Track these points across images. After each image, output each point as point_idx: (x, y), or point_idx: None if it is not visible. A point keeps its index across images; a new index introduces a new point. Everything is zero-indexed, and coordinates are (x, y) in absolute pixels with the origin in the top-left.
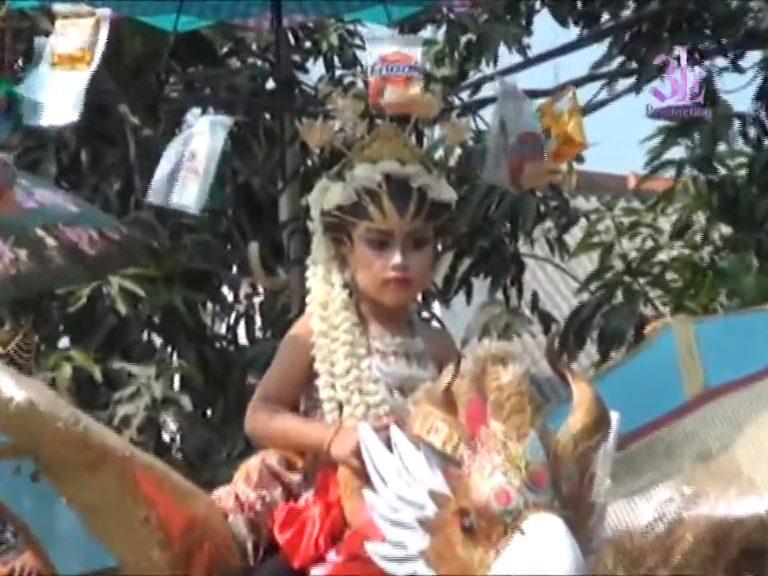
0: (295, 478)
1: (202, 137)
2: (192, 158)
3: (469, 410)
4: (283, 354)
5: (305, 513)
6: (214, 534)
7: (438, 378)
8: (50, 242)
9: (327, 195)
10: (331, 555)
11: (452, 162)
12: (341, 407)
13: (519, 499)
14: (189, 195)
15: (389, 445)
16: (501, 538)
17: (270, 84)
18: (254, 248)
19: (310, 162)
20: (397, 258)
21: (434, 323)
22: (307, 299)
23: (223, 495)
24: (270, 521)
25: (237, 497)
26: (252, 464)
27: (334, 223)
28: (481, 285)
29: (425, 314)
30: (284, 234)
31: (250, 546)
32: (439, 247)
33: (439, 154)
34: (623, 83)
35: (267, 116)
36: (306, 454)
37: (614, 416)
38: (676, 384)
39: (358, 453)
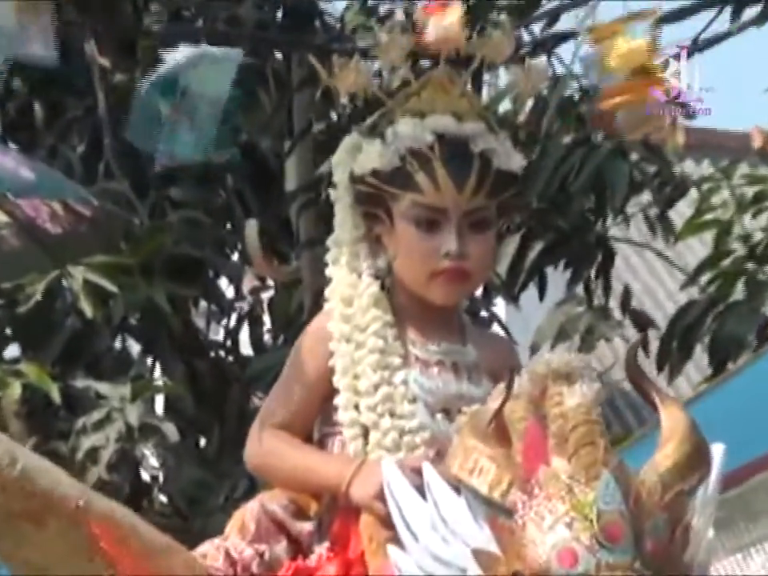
0: (306, 527)
1: (200, 72)
2: (186, 100)
3: (525, 443)
4: (294, 365)
5: (317, 574)
6: None
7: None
8: (0, 217)
9: (359, 156)
10: None
11: (520, 117)
12: (366, 434)
13: (589, 560)
14: (181, 146)
15: (422, 488)
16: None
17: (283, 14)
18: (252, 227)
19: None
20: (452, 244)
21: (495, 327)
22: (326, 292)
23: (211, 552)
24: None
25: (228, 554)
26: (249, 510)
27: (368, 193)
28: (557, 277)
29: (483, 314)
30: (292, 209)
31: None
32: (503, 229)
33: (505, 106)
34: (746, 13)
35: (278, 56)
36: (321, 496)
37: (717, 449)
38: None
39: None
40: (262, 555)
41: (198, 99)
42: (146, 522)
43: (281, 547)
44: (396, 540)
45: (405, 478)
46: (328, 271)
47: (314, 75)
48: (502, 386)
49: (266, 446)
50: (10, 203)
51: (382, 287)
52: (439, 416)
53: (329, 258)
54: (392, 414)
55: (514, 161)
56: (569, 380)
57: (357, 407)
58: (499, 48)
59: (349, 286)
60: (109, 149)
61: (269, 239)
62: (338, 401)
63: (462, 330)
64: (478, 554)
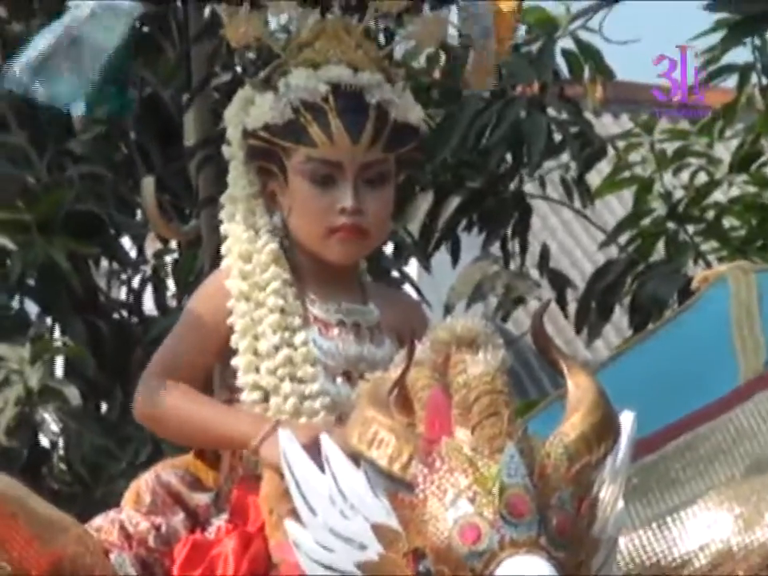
0: (203, 499)
1: (94, 22)
2: (74, 46)
3: (427, 413)
4: (188, 323)
5: (215, 548)
6: None
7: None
8: None
9: (252, 110)
10: None
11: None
12: (267, 398)
13: (492, 536)
14: (62, 89)
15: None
16: None
17: None
18: (148, 184)
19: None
20: (347, 199)
21: (407, 287)
22: (222, 249)
23: (105, 526)
24: (169, 559)
25: (122, 527)
26: (144, 482)
27: (261, 148)
28: (471, 238)
29: (395, 274)
30: (191, 165)
31: None
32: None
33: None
34: None
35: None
36: (219, 466)
37: (627, 418)
38: (728, 360)
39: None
40: (158, 528)
41: (84, 47)
42: (37, 496)
43: (178, 520)
44: (295, 514)
45: (303, 447)
46: (223, 228)
47: (214, 24)
48: (403, 353)
49: (164, 395)
50: None
51: (281, 244)
52: (339, 380)
53: (224, 215)
54: (292, 378)
55: (413, 113)
56: (472, 347)
57: (258, 370)
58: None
59: (246, 242)
60: (4, 100)
61: (172, 197)
62: (236, 362)
63: (362, 289)
64: (378, 530)
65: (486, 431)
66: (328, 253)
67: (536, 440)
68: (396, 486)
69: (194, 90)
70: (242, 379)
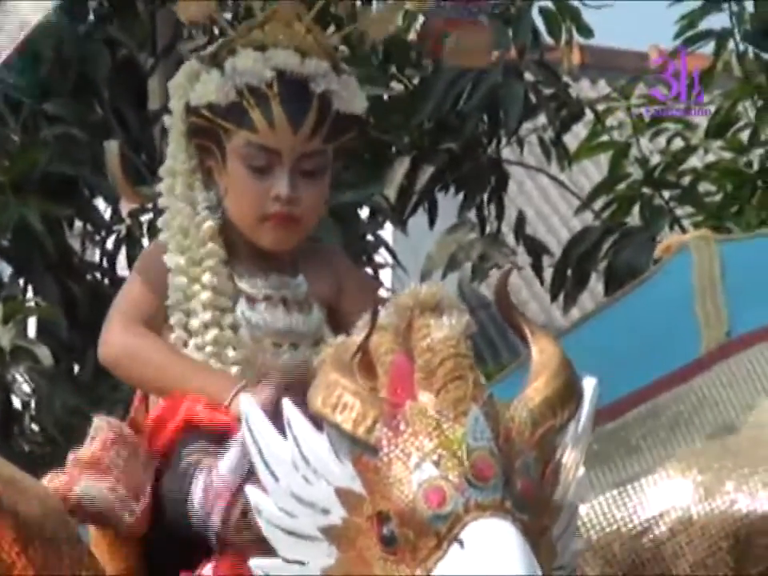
0: None
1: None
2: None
3: (391, 377)
4: (130, 281)
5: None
6: (53, 543)
7: (325, 326)
8: None
9: (197, 86)
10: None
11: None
12: None
13: (457, 499)
14: None
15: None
16: (432, 553)
17: None
18: (112, 147)
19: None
20: (283, 187)
21: (382, 251)
22: (159, 222)
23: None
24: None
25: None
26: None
27: (202, 126)
28: (447, 202)
29: (370, 238)
30: (155, 130)
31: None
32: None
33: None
34: None
35: None
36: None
37: (590, 383)
38: (690, 329)
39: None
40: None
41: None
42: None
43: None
44: (255, 480)
45: (263, 413)
46: (162, 201)
47: None
48: (366, 317)
49: (137, 341)
50: None
51: (217, 221)
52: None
53: (162, 187)
54: (220, 358)
55: (357, 103)
56: (436, 312)
57: (185, 345)
58: None
59: (186, 217)
60: None
61: (148, 159)
62: (171, 336)
63: (293, 260)
64: (342, 494)
65: (451, 394)
66: (259, 238)
67: (500, 404)
68: (360, 450)
69: (158, 54)
70: None
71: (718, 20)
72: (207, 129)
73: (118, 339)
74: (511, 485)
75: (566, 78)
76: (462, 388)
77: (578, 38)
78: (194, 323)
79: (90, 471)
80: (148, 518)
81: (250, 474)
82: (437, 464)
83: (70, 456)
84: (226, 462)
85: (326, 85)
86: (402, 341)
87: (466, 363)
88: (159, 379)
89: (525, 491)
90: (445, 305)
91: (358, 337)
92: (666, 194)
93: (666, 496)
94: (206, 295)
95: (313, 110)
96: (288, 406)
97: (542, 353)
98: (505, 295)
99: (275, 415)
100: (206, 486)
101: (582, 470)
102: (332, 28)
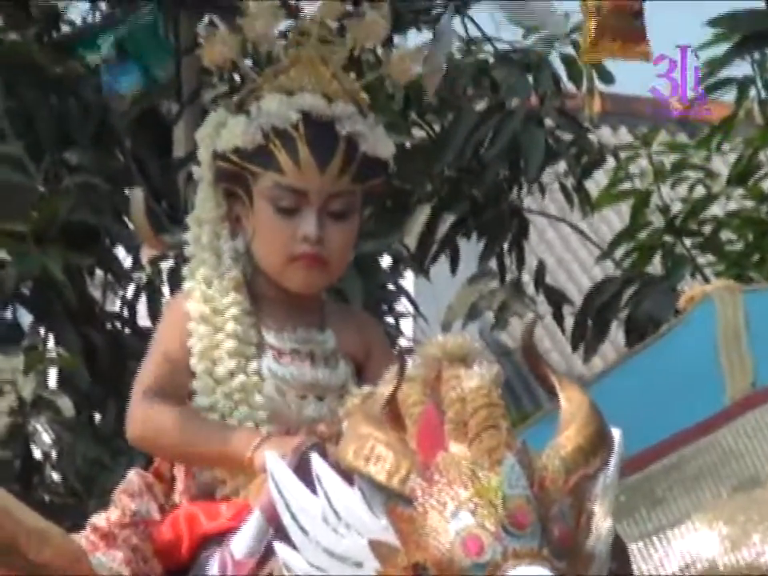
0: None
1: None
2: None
3: (420, 428)
4: (156, 343)
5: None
6: None
7: (351, 380)
8: None
9: (223, 132)
10: None
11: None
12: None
13: (496, 548)
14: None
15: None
16: None
17: None
18: (137, 196)
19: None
20: (311, 228)
21: (403, 301)
22: (184, 272)
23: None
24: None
25: (95, 528)
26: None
27: (229, 171)
28: (469, 250)
29: (391, 287)
30: (179, 177)
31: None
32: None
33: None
34: None
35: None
36: (176, 486)
37: (616, 434)
38: (714, 380)
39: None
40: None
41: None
42: (24, 505)
43: (153, 506)
44: (285, 536)
45: (289, 467)
46: (188, 250)
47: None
48: (394, 370)
49: (158, 417)
50: None
51: (242, 270)
52: (295, 400)
53: (189, 236)
54: (248, 404)
55: (384, 147)
56: (465, 362)
57: (215, 392)
58: (372, 28)
59: (210, 267)
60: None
61: (168, 207)
62: (195, 384)
63: (321, 315)
64: (375, 546)
65: (485, 443)
66: (287, 280)
67: (533, 452)
68: (394, 501)
69: (184, 102)
70: (198, 401)
71: (740, 68)
72: (234, 173)
73: (140, 417)
74: (548, 532)
75: (587, 125)
76: (496, 437)
77: (599, 85)
78: (220, 371)
79: (104, 542)
80: None
81: (268, 552)
82: (473, 512)
83: (90, 521)
84: (240, 542)
85: (352, 127)
86: (431, 392)
87: (499, 412)
88: (184, 449)
89: (562, 539)
90: (473, 355)
91: (385, 388)
92: (688, 242)
93: (692, 548)
94: (230, 344)
95: (339, 150)
96: (316, 460)
97: (570, 402)
98: (531, 345)
99: (301, 470)
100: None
101: (610, 520)
102: (354, 74)
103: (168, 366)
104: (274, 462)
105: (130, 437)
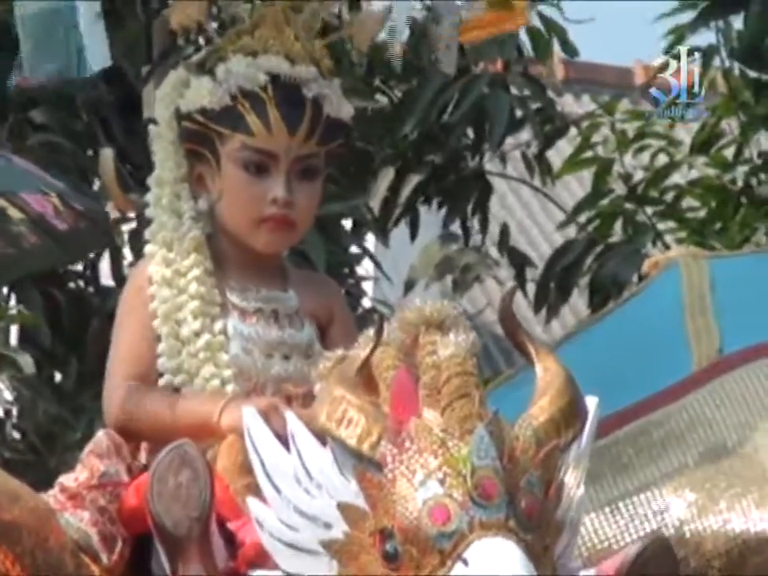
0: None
1: None
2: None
3: (394, 393)
4: (127, 317)
5: None
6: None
7: (316, 341)
8: (15, 213)
9: (187, 92)
10: None
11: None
12: (192, 381)
13: (462, 517)
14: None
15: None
16: (436, 571)
17: None
18: (107, 155)
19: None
20: (280, 190)
21: (366, 262)
22: (146, 234)
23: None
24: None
25: (63, 488)
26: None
27: (194, 131)
28: (429, 215)
29: (354, 249)
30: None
31: (96, 542)
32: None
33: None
34: None
35: None
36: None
37: (592, 402)
38: (679, 346)
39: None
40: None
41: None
42: None
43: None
44: (255, 490)
45: (266, 425)
46: (149, 212)
47: None
48: (370, 333)
49: (135, 404)
50: (20, 199)
51: (203, 231)
52: (261, 358)
53: (150, 198)
54: (215, 363)
55: (345, 109)
56: (442, 329)
57: (180, 353)
58: None
59: (170, 229)
60: None
61: (133, 168)
62: (160, 348)
63: (283, 275)
64: (344, 509)
65: (457, 412)
66: (255, 241)
67: (505, 423)
68: (364, 466)
69: (154, 63)
70: (165, 363)
71: (703, 38)
72: (200, 134)
73: (116, 403)
74: (515, 504)
75: (550, 93)
76: (468, 406)
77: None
78: (185, 332)
79: (72, 502)
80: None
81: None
82: (442, 482)
83: (59, 480)
84: None
85: (317, 89)
86: (406, 357)
87: (472, 381)
88: (163, 429)
89: (529, 510)
90: (450, 322)
91: (361, 351)
92: (649, 210)
93: (658, 514)
94: (194, 304)
95: (307, 114)
96: (291, 419)
97: (546, 371)
98: (509, 313)
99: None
100: None
101: (582, 489)
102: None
103: (145, 343)
104: (252, 417)
105: (111, 423)
